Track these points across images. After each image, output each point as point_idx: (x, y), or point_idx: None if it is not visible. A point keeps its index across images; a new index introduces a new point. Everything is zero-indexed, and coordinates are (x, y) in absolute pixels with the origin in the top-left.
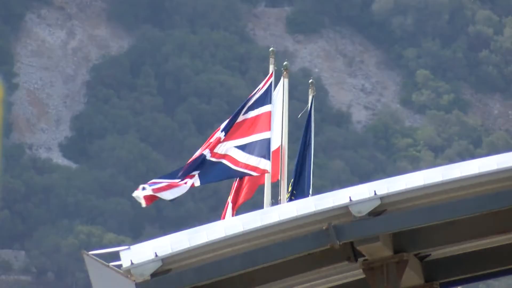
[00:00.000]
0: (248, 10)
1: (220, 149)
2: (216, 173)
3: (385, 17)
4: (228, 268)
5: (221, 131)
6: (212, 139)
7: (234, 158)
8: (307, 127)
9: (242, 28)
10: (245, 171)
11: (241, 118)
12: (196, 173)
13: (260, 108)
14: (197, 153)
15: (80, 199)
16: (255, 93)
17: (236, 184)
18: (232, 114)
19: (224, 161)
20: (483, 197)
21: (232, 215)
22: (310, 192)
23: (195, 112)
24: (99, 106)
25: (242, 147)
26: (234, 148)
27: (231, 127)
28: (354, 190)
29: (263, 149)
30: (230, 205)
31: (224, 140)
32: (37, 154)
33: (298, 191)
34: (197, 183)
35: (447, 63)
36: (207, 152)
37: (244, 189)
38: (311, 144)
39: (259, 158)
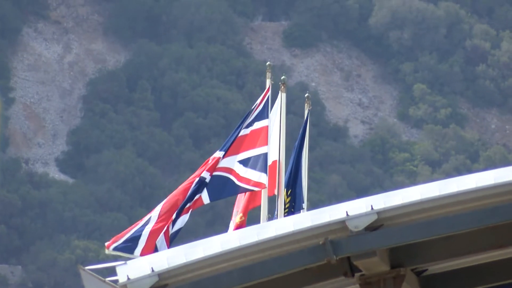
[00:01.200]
0: (245, 24)
1: (221, 165)
2: (223, 189)
3: (382, 31)
4: (224, 283)
5: (220, 151)
6: (210, 161)
7: (237, 173)
8: (301, 140)
9: (239, 42)
10: (247, 186)
11: (241, 134)
12: (199, 194)
13: (258, 122)
14: (195, 176)
15: (77, 214)
16: (253, 109)
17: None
18: (230, 134)
19: (229, 176)
20: (481, 212)
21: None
22: (305, 207)
23: (192, 127)
24: (95, 120)
25: (242, 162)
26: (236, 162)
27: (230, 145)
28: (351, 205)
29: (261, 164)
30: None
31: (224, 157)
32: (33, 169)
33: (295, 205)
34: (206, 200)
35: (444, 77)
36: (206, 175)
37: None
38: (304, 158)
39: (259, 173)
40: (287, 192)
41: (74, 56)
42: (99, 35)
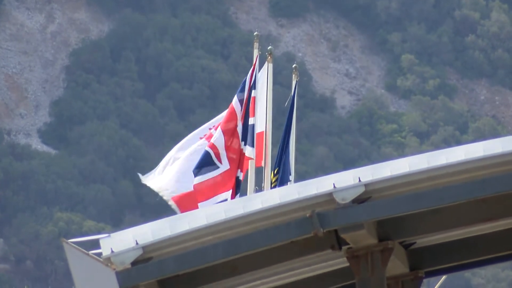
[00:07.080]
0: None
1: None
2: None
3: (370, 0)
4: (210, 256)
5: (242, 141)
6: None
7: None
8: (291, 113)
9: (225, 11)
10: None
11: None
12: None
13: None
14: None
15: (60, 186)
16: (248, 81)
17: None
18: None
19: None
20: (469, 184)
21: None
22: (292, 179)
23: (177, 98)
24: (78, 91)
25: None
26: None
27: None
28: (338, 177)
29: (248, 135)
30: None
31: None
32: (15, 140)
33: (281, 178)
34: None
35: (432, 47)
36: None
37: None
38: (292, 130)
39: (246, 146)
40: (274, 171)
41: (57, 26)
42: (82, 5)
